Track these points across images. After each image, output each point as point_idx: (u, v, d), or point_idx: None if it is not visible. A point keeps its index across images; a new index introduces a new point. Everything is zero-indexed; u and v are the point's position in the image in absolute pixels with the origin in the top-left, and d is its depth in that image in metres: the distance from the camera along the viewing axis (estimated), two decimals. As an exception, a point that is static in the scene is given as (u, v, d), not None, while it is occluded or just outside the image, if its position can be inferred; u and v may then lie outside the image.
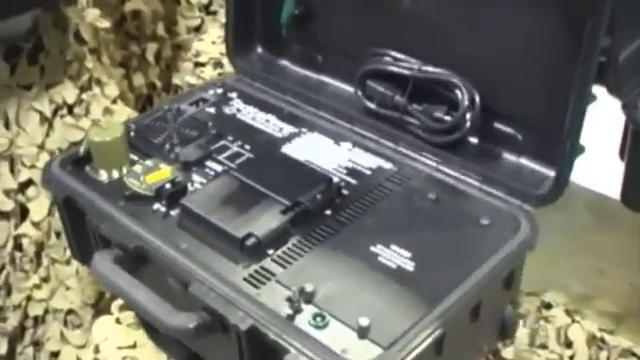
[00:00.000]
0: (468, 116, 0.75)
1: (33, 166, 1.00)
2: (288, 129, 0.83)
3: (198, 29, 1.24)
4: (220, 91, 0.89)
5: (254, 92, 0.89)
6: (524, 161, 0.75)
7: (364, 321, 0.60)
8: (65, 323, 1.02)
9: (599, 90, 0.69)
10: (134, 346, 0.81)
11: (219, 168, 0.77)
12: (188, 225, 0.70)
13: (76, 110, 1.02)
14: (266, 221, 0.68)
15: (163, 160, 0.77)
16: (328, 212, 0.71)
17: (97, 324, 0.84)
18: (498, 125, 0.77)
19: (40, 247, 1.00)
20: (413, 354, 0.59)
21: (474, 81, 0.76)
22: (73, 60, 1.02)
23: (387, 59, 0.81)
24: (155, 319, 0.64)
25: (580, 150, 0.70)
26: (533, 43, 0.71)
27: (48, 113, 1.00)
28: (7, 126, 1.00)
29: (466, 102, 0.75)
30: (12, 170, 1.01)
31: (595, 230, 0.82)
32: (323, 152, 0.79)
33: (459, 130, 0.76)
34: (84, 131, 1.00)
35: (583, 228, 0.83)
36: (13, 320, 1.01)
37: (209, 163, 0.78)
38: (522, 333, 0.83)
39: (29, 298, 1.00)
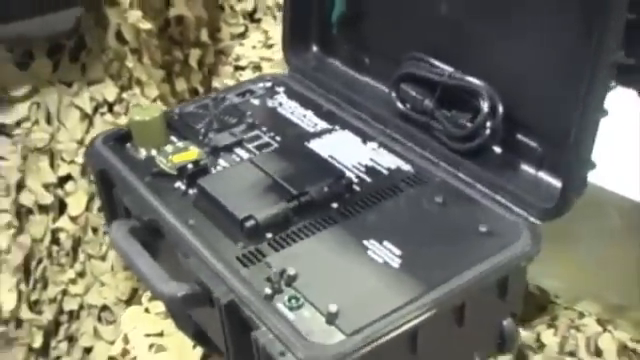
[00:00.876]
0: (488, 124, 0.75)
1: (72, 161, 1.02)
2: (322, 125, 0.85)
3: (241, 36, 1.27)
4: (269, 85, 0.93)
5: (300, 88, 0.92)
6: (542, 174, 0.74)
7: (333, 307, 0.61)
8: (99, 319, 1.04)
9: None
10: (161, 334, 0.85)
11: (245, 155, 0.80)
12: (201, 204, 0.74)
13: (116, 108, 1.04)
14: (269, 206, 0.71)
15: (196, 143, 0.81)
16: (334, 205, 0.73)
17: (127, 314, 0.88)
18: (520, 136, 0.76)
19: (77, 242, 1.02)
20: (374, 344, 0.59)
21: (500, 91, 0.75)
22: (114, 59, 1.04)
23: (422, 64, 0.81)
24: (150, 285, 0.68)
25: (590, 166, 0.68)
26: (555, 57, 0.70)
27: (88, 110, 1.02)
28: (48, 121, 1.03)
29: (486, 109, 0.74)
30: (52, 164, 1.03)
31: (629, 238, 0.79)
32: (348, 149, 0.81)
33: (479, 137, 0.75)
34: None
35: (616, 236, 0.80)
36: (48, 314, 1.02)
37: (237, 150, 0.81)
38: (552, 341, 0.82)
39: (64, 292, 1.02)
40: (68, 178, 1.04)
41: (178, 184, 0.77)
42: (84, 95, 1.03)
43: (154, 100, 1.07)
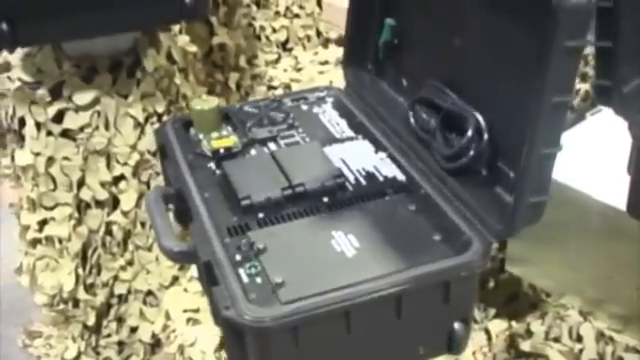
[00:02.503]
0: (473, 147, 0.78)
1: (126, 163, 1.10)
2: (348, 133, 0.91)
3: (275, 62, 1.32)
4: (322, 95, 1.00)
5: (346, 101, 0.98)
6: (509, 199, 0.75)
7: (278, 279, 0.68)
8: (144, 302, 1.12)
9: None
10: (197, 310, 0.94)
11: (274, 149, 0.88)
12: (220, 182, 0.83)
13: (164, 119, 1.12)
14: (266, 191, 0.79)
15: (239, 134, 0.90)
16: (325, 199, 0.79)
17: (168, 293, 0.98)
18: (501, 163, 0.78)
19: (127, 234, 1.10)
20: (303, 315, 0.65)
21: (490, 120, 0.78)
22: (164, 76, 1.11)
23: (435, 90, 0.85)
24: (157, 239, 0.78)
25: (540, 194, 0.69)
26: (527, 98, 0.72)
27: (141, 119, 1.10)
28: (107, 127, 1.11)
29: (470, 133, 0.77)
30: (108, 165, 1.11)
31: (608, 240, 0.81)
32: (359, 156, 0.86)
33: (464, 158, 0.78)
34: None
35: (596, 237, 0.82)
36: (101, 296, 1.11)
37: (270, 144, 0.89)
38: (539, 330, 0.86)
39: (115, 278, 1.11)
40: (121, 178, 1.11)
41: (211, 164, 0.86)
42: (138, 106, 1.11)
43: None
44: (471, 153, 0.78)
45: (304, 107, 0.98)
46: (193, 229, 0.77)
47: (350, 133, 0.92)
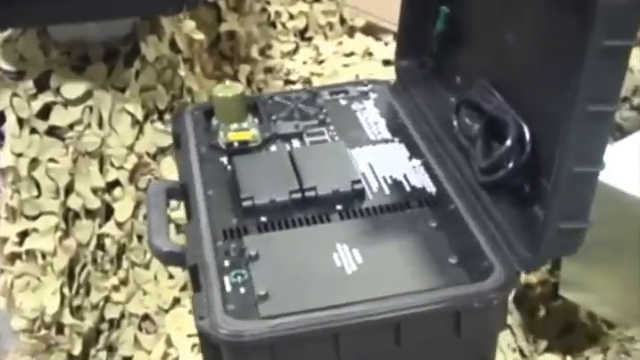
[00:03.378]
0: (513, 157, 0.76)
1: (121, 167, 1.07)
2: (384, 135, 0.91)
3: (292, 53, 1.28)
4: (365, 89, 1.00)
5: (391, 98, 0.98)
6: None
7: (262, 291, 0.69)
8: (140, 328, 1.07)
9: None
10: None
11: (298, 146, 0.89)
12: (229, 179, 0.85)
13: (166, 116, 1.09)
14: (272, 193, 0.80)
15: (263, 127, 0.92)
16: (339, 206, 0.80)
17: (170, 315, 0.98)
18: (544, 180, 0.76)
19: (122, 249, 1.07)
20: (284, 333, 0.66)
21: (536, 129, 0.76)
22: (167, 67, 1.09)
23: (483, 91, 0.84)
24: (148, 236, 0.80)
25: (579, 222, 0.68)
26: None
27: (140, 116, 1.07)
28: (100, 125, 1.07)
29: (509, 142, 0.76)
30: (101, 169, 1.07)
31: None
32: (389, 162, 0.86)
33: (501, 171, 0.77)
34: None
35: None
36: (90, 320, 1.06)
37: (294, 140, 0.91)
38: None
39: (107, 299, 1.07)
40: (116, 184, 1.08)
41: (223, 159, 0.88)
42: (136, 101, 1.08)
43: None
44: (510, 166, 0.76)
45: (342, 102, 0.99)
46: (187, 228, 0.79)
47: (386, 135, 0.91)
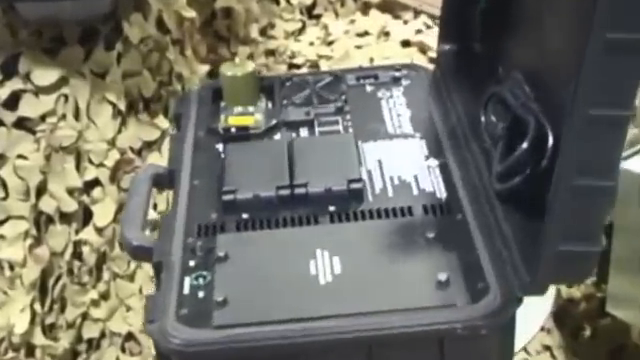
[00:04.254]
0: (531, 162, 0.75)
1: (101, 164, 1.05)
2: (404, 129, 0.91)
3: (298, 33, 1.23)
4: (397, 75, 1.00)
5: (425, 87, 0.97)
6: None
7: (221, 297, 0.71)
8: (123, 349, 1.04)
9: None
10: None
11: (305, 135, 0.90)
12: (218, 168, 0.86)
13: (153, 106, 1.08)
14: (258, 188, 0.81)
15: (272, 112, 0.93)
16: (332, 207, 0.80)
17: None
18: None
19: (102, 258, 1.05)
20: (236, 346, 0.68)
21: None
22: (153, 50, 1.07)
23: (514, 84, 0.83)
24: (121, 227, 0.83)
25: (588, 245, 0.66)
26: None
27: (122, 106, 1.05)
28: (77, 117, 1.05)
29: (526, 144, 0.74)
30: (78, 167, 1.05)
31: None
32: (403, 160, 0.86)
33: (518, 176, 0.76)
34: (160, 130, 1.04)
35: None
36: (65, 341, 1.03)
37: (302, 129, 0.91)
38: None
39: (85, 316, 1.04)
40: (95, 183, 1.06)
41: (220, 145, 0.90)
42: (118, 89, 1.06)
43: None
44: (527, 172, 0.75)
45: (368, 89, 0.99)
46: (162, 221, 0.81)
47: (408, 129, 0.91)
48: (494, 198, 0.78)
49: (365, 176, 0.84)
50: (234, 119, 0.91)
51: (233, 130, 0.90)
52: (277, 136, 0.91)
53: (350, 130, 0.91)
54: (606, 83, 0.60)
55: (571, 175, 0.64)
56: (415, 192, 0.82)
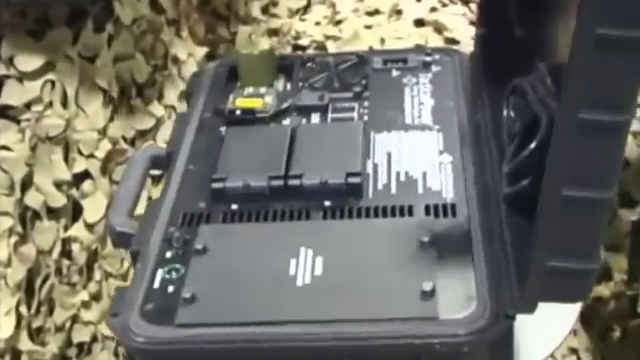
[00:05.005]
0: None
1: (91, 155, 1.03)
2: (424, 120, 0.89)
3: (302, 12, 1.18)
4: (428, 59, 0.98)
5: (459, 74, 0.95)
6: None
7: (188, 293, 0.71)
8: (116, 354, 1.03)
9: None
10: None
11: (316, 121, 0.89)
12: (218, 153, 0.86)
13: (147, 92, 1.05)
14: (249, 176, 0.81)
15: (283, 95, 0.93)
16: (327, 202, 0.79)
17: None
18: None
19: (93, 256, 1.03)
20: (197, 346, 0.68)
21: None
22: (147, 31, 1.05)
23: (538, 77, 0.80)
24: (109, 211, 0.84)
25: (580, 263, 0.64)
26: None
27: (114, 93, 1.03)
28: (65, 105, 1.02)
29: (534, 144, 0.73)
30: (66, 158, 1.02)
31: None
32: (415, 154, 0.84)
33: (525, 178, 0.74)
34: (155, 117, 1.02)
35: None
36: (53, 345, 1.02)
37: (313, 115, 0.91)
38: None
39: (74, 319, 1.02)
40: (85, 176, 1.04)
41: (223, 128, 0.90)
42: (109, 74, 1.03)
43: None
44: (536, 174, 0.72)
45: (394, 73, 0.97)
46: (148, 207, 0.82)
47: (427, 120, 0.89)
48: (502, 201, 0.76)
49: (370, 169, 0.82)
50: (242, 101, 0.91)
51: (238, 112, 0.90)
52: (286, 121, 0.90)
53: (365, 118, 0.90)
54: (597, 84, 0.58)
55: (560, 184, 0.61)
56: (420, 190, 0.80)
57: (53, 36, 1.06)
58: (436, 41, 1.26)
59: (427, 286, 0.69)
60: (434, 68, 0.97)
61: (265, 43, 0.96)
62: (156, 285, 0.73)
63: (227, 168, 0.82)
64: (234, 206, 0.80)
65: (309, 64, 0.97)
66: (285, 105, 0.92)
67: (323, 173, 0.80)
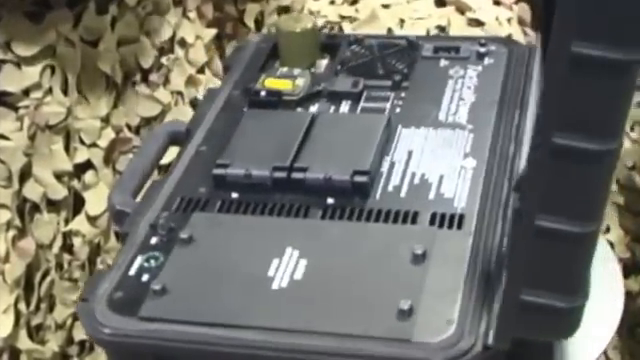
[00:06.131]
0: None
1: (94, 145, 1.00)
2: (458, 118, 0.86)
3: None
4: (482, 50, 0.94)
5: (511, 67, 0.91)
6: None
7: (159, 285, 0.71)
8: None
9: None
10: None
11: (344, 109, 0.88)
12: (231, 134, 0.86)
13: (152, 77, 1.03)
14: (252, 164, 0.80)
15: (318, 77, 0.91)
16: (330, 200, 0.78)
17: None
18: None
19: (95, 250, 1.02)
20: (157, 343, 0.68)
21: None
22: (152, 12, 1.02)
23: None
24: (114, 185, 0.85)
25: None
26: None
27: (117, 78, 1.00)
28: (65, 91, 0.99)
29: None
30: (67, 148, 1.00)
31: None
32: (436, 155, 0.82)
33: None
34: (161, 104, 1.00)
35: None
36: (54, 344, 1.01)
37: (345, 101, 0.89)
38: None
39: (76, 317, 1.00)
40: (87, 166, 1.02)
41: (246, 109, 0.89)
42: (113, 59, 1.01)
43: (201, 68, 1.05)
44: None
45: (442, 63, 0.94)
46: (150, 187, 0.82)
47: (462, 118, 0.86)
48: (510, 214, 0.73)
49: (386, 167, 0.80)
50: (271, 81, 0.90)
51: (263, 94, 0.88)
52: (313, 107, 0.89)
53: (397, 110, 0.87)
54: (572, 107, 0.54)
55: (533, 212, 0.57)
56: (431, 196, 0.77)
57: (53, 18, 1.03)
58: (458, 22, 1.21)
59: (405, 304, 0.67)
60: (487, 60, 0.93)
61: (309, 20, 0.94)
62: (132, 272, 0.73)
63: (233, 154, 0.81)
64: (234, 195, 0.79)
65: (354, 46, 0.94)
66: (316, 89, 0.90)
67: (329, 168, 0.78)
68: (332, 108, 0.88)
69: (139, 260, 0.74)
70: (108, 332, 0.69)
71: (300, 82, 0.90)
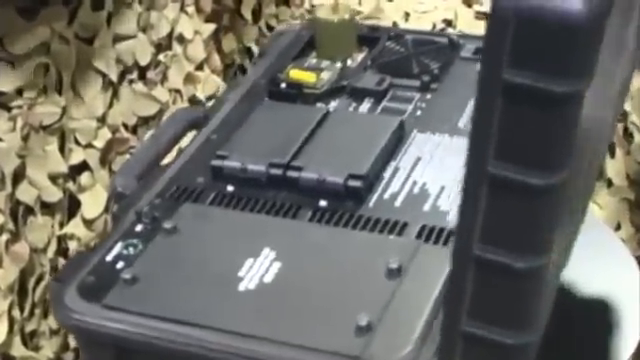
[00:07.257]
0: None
1: (90, 145, 1.00)
2: (475, 124, 0.85)
3: None
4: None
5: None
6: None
7: (129, 274, 0.73)
8: None
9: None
10: None
11: (364, 109, 0.88)
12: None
13: (149, 75, 1.02)
14: (249, 160, 0.81)
15: (345, 72, 0.91)
16: (322, 202, 0.78)
17: None
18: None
19: None
20: (118, 334, 0.70)
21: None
22: (149, 8, 1.01)
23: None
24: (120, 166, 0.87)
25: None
26: None
27: (113, 76, 1.00)
28: (60, 90, 0.99)
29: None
30: (62, 149, 1.00)
31: None
32: (443, 164, 0.82)
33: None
34: (159, 103, 0.99)
35: None
36: (48, 350, 1.01)
37: (366, 100, 0.89)
38: None
39: None
40: (83, 168, 1.02)
41: (266, 99, 0.90)
42: (108, 56, 1.01)
43: (200, 65, 1.05)
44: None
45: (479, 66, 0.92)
46: (151, 172, 0.84)
47: (480, 126, 0.85)
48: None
49: (388, 173, 0.80)
50: (295, 73, 0.91)
51: (283, 86, 0.89)
52: (334, 103, 0.89)
53: (419, 113, 0.87)
54: (505, 136, 0.53)
55: (470, 242, 0.57)
56: (426, 208, 0.77)
57: (47, 14, 1.01)
58: (465, 15, 1.18)
59: (362, 321, 0.67)
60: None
61: (347, 11, 0.94)
62: (109, 258, 0.75)
63: (235, 146, 0.82)
64: (230, 188, 0.80)
65: (391, 41, 0.94)
66: (341, 84, 0.90)
67: (324, 169, 0.78)
68: (353, 105, 0.88)
69: (119, 246, 0.76)
70: (73, 317, 0.71)
71: (325, 75, 0.90)
